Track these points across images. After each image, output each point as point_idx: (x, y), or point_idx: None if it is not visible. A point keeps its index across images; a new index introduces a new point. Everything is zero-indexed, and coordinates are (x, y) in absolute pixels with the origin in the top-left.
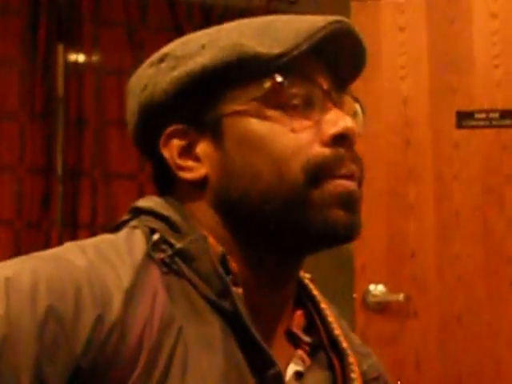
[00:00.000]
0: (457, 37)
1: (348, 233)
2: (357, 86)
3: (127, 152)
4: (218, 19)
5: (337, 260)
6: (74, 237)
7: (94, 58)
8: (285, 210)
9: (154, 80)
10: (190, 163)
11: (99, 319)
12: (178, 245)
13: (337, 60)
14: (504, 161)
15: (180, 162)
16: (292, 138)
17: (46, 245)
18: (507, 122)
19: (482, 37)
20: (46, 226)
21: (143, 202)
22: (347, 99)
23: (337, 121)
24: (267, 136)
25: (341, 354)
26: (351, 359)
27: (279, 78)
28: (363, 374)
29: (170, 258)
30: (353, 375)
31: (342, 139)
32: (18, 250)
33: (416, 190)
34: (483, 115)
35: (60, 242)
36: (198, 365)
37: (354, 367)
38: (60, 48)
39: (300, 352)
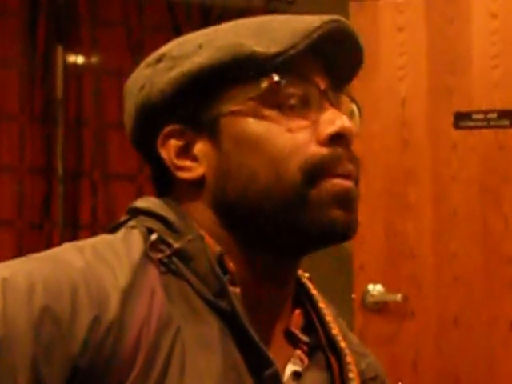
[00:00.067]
0: (456, 37)
1: (345, 231)
2: (355, 86)
3: (127, 153)
4: (217, 20)
5: (336, 260)
6: (75, 237)
7: (93, 59)
8: (282, 209)
9: (151, 80)
10: (187, 163)
11: (96, 319)
12: (176, 245)
13: (334, 60)
14: (502, 161)
15: (177, 162)
16: (289, 137)
17: (48, 245)
18: (505, 122)
19: (481, 37)
20: (47, 226)
21: (141, 203)
22: (344, 99)
23: (334, 120)
24: (264, 136)
25: (339, 354)
26: (349, 359)
27: (276, 78)
28: (361, 374)
29: (167, 258)
30: (351, 375)
31: (338, 139)
32: (19, 251)
33: (414, 190)
34: (481, 116)
35: (61, 243)
36: (196, 365)
37: (352, 367)
38: (59, 49)
39: (298, 352)
